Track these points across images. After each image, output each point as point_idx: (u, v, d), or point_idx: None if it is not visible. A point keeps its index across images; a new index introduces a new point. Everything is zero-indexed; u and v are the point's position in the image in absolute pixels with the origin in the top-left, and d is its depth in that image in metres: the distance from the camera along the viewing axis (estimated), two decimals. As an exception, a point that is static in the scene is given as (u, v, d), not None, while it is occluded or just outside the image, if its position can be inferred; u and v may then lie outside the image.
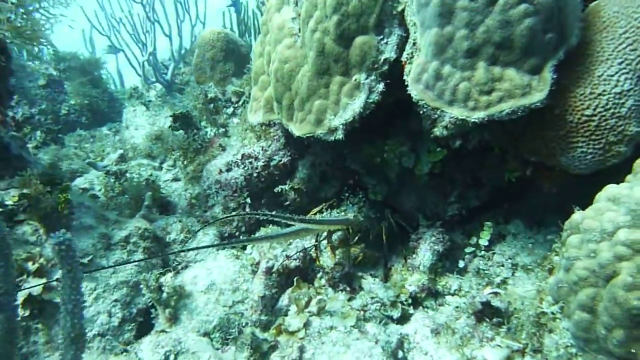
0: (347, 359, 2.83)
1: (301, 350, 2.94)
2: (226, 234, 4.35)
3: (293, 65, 2.84)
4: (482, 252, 3.56)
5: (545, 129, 2.65)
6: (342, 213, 3.63)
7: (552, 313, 1.84)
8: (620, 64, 2.54)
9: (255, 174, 4.15)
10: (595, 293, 1.65)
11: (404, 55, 2.64)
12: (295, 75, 2.84)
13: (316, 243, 3.74)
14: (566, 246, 1.78)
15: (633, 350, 1.55)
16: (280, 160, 4.13)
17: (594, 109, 2.54)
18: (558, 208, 3.64)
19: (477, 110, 2.37)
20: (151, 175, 5.64)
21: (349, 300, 3.40)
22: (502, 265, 3.39)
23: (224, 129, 5.59)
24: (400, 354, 2.66)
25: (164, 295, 3.48)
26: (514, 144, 2.83)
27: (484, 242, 3.53)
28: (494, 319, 2.39)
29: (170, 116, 5.37)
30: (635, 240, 1.54)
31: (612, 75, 2.53)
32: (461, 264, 3.51)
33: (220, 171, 4.36)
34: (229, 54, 5.85)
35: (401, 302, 3.33)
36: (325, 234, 3.68)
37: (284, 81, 2.89)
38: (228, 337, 3.41)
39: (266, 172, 4.16)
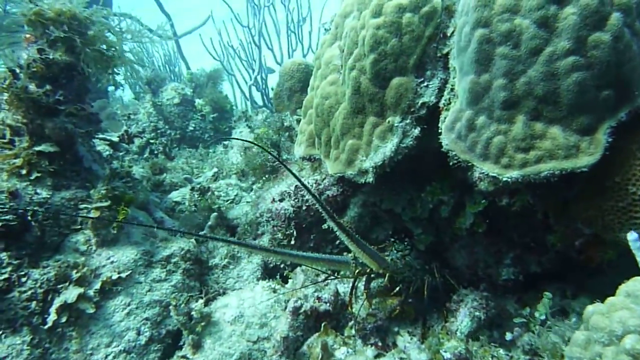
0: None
1: (309, 403, 2.76)
2: (271, 265, 4.32)
3: (333, 101, 2.75)
4: (537, 328, 3.13)
5: (603, 198, 2.28)
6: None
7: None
8: None
9: (304, 207, 4.08)
10: (600, 411, 1.33)
11: (442, 101, 2.44)
12: (334, 112, 2.76)
13: (352, 287, 3.56)
14: (571, 343, 1.47)
15: None
16: (332, 195, 4.03)
17: (665, 181, 2.14)
18: None
19: (511, 169, 2.09)
20: (237, 195, 5.82)
21: (377, 357, 3.16)
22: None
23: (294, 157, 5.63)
24: None
25: (192, 320, 3.49)
26: (563, 209, 2.47)
27: (540, 315, 3.11)
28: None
29: (256, 136, 5.53)
30: (648, 355, 1.21)
31: (692, 144, 2.12)
32: (508, 336, 3.12)
33: (273, 200, 4.35)
34: (307, 84, 5.93)
35: (432, 368, 3.02)
36: (364, 278, 3.50)
37: (324, 117, 2.82)
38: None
39: (316, 206, 4.07)
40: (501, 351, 3.09)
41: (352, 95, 2.57)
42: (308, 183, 4.18)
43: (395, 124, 2.49)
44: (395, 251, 3.49)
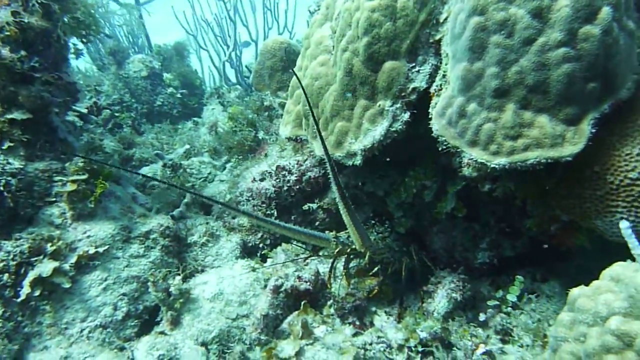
0: (331, 397, 2.67)
1: (288, 379, 2.81)
2: (250, 244, 4.32)
3: (323, 82, 2.76)
4: (509, 309, 3.26)
5: (582, 187, 2.37)
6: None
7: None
8: (679, 125, 2.23)
9: (286, 187, 4.10)
10: (581, 386, 1.41)
11: (433, 86, 2.47)
12: (323, 93, 2.76)
13: (332, 266, 3.61)
14: (556, 324, 1.55)
15: None
16: (313, 177, 4.05)
17: (641, 172, 2.24)
18: (599, 273, 3.29)
19: (499, 156, 2.16)
20: (210, 173, 5.75)
21: (355, 335, 3.23)
22: (530, 329, 3.08)
23: (275, 137, 5.61)
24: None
25: (170, 296, 3.48)
26: (542, 197, 2.56)
27: (512, 297, 3.23)
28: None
29: (227, 116, 5.46)
30: (627, 332, 1.29)
31: (668, 137, 2.23)
32: (482, 317, 3.23)
33: (254, 179, 4.34)
34: (289, 64, 5.88)
35: (409, 348, 3.11)
36: (344, 258, 3.55)
37: (313, 98, 2.82)
38: (226, 350, 3.36)
39: (298, 187, 4.09)
40: (480, 330, 3.22)
41: (344, 77, 2.58)
42: (289, 164, 4.19)
43: (386, 108, 2.51)
44: (375, 233, 3.56)
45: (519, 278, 3.30)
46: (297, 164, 4.15)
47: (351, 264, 3.66)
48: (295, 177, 4.09)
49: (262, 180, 4.29)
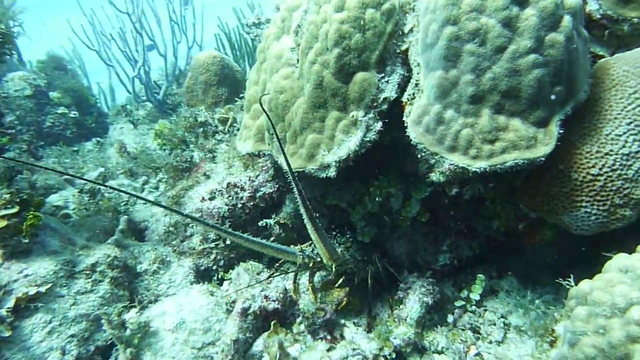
0: (321, 417, 2.59)
1: (273, 404, 2.70)
2: (202, 267, 4.12)
3: (288, 96, 2.70)
4: (473, 308, 3.37)
5: (549, 185, 2.52)
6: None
7: (554, 392, 1.65)
8: (628, 124, 2.43)
9: (240, 205, 3.96)
10: (604, 376, 1.47)
11: (405, 95, 2.51)
12: (290, 106, 2.70)
13: (295, 280, 3.54)
14: (572, 318, 1.61)
15: None
16: (267, 192, 3.95)
17: (600, 169, 2.42)
18: (554, 267, 3.50)
19: (479, 160, 2.23)
20: (130, 197, 5.39)
21: (329, 350, 3.17)
22: (494, 324, 3.21)
23: (211, 155, 5.41)
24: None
25: (127, 332, 3.23)
26: (511, 196, 2.69)
27: (475, 296, 3.35)
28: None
29: (154, 134, 5.17)
30: (653, 321, 1.37)
31: (620, 136, 2.42)
32: (450, 318, 3.31)
33: (203, 199, 4.16)
34: (224, 78, 5.74)
35: (384, 357, 3.11)
36: (308, 273, 3.50)
37: (278, 111, 2.75)
38: (195, 382, 3.17)
39: (252, 203, 3.97)
40: (444, 332, 3.29)
41: (314, 90, 2.54)
42: (241, 180, 4.07)
43: (360, 118, 2.51)
44: (337, 244, 3.54)
45: (481, 277, 3.43)
46: (249, 180, 4.04)
47: (316, 278, 3.62)
48: (249, 193, 3.97)
49: (212, 199, 4.12)
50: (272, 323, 3.24)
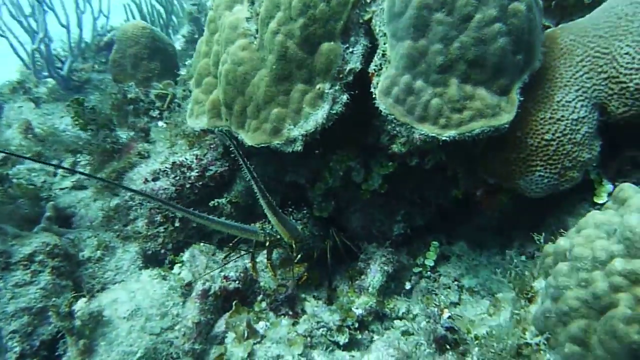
0: (297, 392, 2.60)
1: (245, 383, 2.66)
2: (150, 251, 3.93)
3: (248, 68, 2.59)
4: (428, 273, 3.50)
5: (507, 151, 2.63)
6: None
7: (537, 344, 1.75)
8: (577, 90, 2.58)
9: (188, 185, 3.80)
10: (588, 325, 1.58)
11: (372, 66, 2.50)
12: (250, 79, 2.59)
13: (252, 261, 3.48)
14: (555, 274, 1.71)
15: (629, 386, 1.49)
16: (217, 171, 3.82)
17: (553, 134, 2.56)
18: (498, 230, 3.70)
19: (449, 129, 2.27)
20: (45, 181, 4.96)
21: (293, 325, 3.17)
22: (449, 288, 3.35)
23: (143, 134, 5.12)
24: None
25: (77, 323, 3.02)
26: (470, 164, 2.79)
27: (430, 262, 3.48)
28: (461, 347, 2.28)
29: (73, 112, 4.75)
30: (633, 270, 1.48)
31: (570, 102, 2.57)
32: (408, 285, 3.42)
33: (146, 180, 3.94)
34: (155, 52, 5.42)
35: (347, 327, 3.15)
36: (266, 251, 3.46)
37: (237, 85, 2.63)
38: (155, 369, 3.05)
39: (201, 183, 3.83)
40: (403, 299, 3.39)
41: (278, 62, 2.45)
42: (187, 159, 3.90)
43: (326, 91, 2.46)
44: (294, 220, 3.51)
45: (435, 243, 3.56)
46: (196, 158, 3.88)
47: (274, 255, 3.58)
48: (197, 172, 3.82)
49: (156, 179, 3.92)
50: (233, 303, 3.17)
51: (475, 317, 3.01)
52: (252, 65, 2.58)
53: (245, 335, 2.89)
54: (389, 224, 3.59)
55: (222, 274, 3.29)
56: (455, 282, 3.40)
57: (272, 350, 2.85)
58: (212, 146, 3.91)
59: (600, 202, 2.64)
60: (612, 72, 2.52)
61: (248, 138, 2.65)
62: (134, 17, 7.47)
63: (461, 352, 2.27)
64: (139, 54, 5.34)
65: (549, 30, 2.78)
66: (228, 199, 3.84)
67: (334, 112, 2.51)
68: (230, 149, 2.97)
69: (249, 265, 3.40)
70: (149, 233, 3.88)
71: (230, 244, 3.71)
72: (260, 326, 3.11)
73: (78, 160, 5.27)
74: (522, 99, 2.38)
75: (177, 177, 3.82)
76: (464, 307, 3.20)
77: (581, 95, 2.58)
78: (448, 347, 2.34)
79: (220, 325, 3.20)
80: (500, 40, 2.21)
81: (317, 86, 2.46)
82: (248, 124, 2.66)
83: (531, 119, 2.56)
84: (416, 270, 3.49)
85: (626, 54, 2.49)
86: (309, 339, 3.02)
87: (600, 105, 2.61)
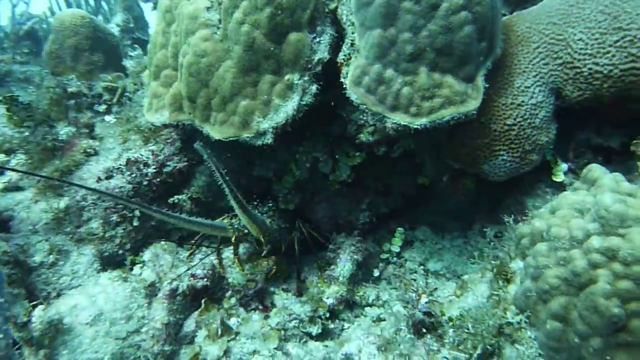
0: (277, 386, 2.58)
1: (223, 381, 2.61)
2: (107, 253, 3.76)
3: (212, 59, 2.50)
4: (395, 259, 3.56)
5: (471, 137, 2.70)
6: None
7: (518, 323, 1.83)
8: (535, 76, 2.69)
9: (145, 182, 3.65)
10: (568, 302, 1.66)
11: (341, 56, 2.48)
12: (214, 71, 2.51)
13: (218, 257, 3.42)
14: (534, 254, 1.78)
15: (608, 358, 1.58)
16: (176, 167, 3.70)
17: (515, 119, 2.65)
18: (458, 214, 3.82)
19: (420, 117, 2.30)
20: None
21: (265, 319, 3.14)
22: (415, 272, 3.42)
23: (87, 130, 4.86)
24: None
25: (36, 332, 2.86)
26: (436, 150, 2.85)
27: (396, 248, 3.54)
28: (439, 330, 2.34)
29: (5, 109, 4.43)
30: (609, 247, 1.57)
31: (529, 87, 2.67)
32: (376, 272, 3.47)
33: (99, 179, 3.76)
34: (97, 43, 5.14)
35: (319, 317, 3.16)
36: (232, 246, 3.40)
37: (200, 77, 2.54)
38: (122, 374, 2.94)
39: (158, 179, 3.69)
40: (372, 286, 3.44)
41: (245, 52, 2.38)
42: (142, 155, 3.75)
43: (295, 82, 2.43)
44: (260, 213, 3.47)
45: (400, 230, 3.62)
46: (152, 154, 3.73)
47: (240, 249, 3.53)
48: (154, 169, 3.68)
49: (109, 178, 3.74)
50: (203, 301, 3.10)
51: (444, 300, 3.10)
52: (217, 57, 2.50)
53: (219, 332, 2.84)
54: (355, 213, 3.62)
55: (190, 272, 3.20)
56: (421, 267, 3.48)
57: (247, 346, 2.82)
58: (168, 141, 3.77)
59: (559, 180, 2.78)
60: (567, 57, 2.64)
61: (215, 132, 2.58)
62: (58, 4, 7.04)
63: (439, 334, 2.33)
64: (80, 45, 5.05)
65: (505, 17, 2.87)
66: (188, 195, 3.73)
67: (304, 103, 2.48)
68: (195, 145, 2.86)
69: (216, 261, 3.32)
70: (105, 234, 3.71)
71: (193, 241, 3.63)
72: (232, 322, 3.06)
73: (14, 160, 4.95)
74: (487, 85, 2.45)
75: (133, 175, 3.66)
76: (432, 290, 3.28)
77: (539, 81, 2.68)
78: (425, 330, 2.39)
79: (189, 325, 3.13)
80: (466, 29, 2.25)
81: (286, 77, 2.42)
82: (214, 117, 2.58)
83: (493, 105, 2.64)
84: (383, 256, 3.54)
85: (579, 40, 2.60)
86: (282, 332, 3.01)
87: (556, 90, 2.73)
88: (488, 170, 2.76)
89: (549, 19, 2.73)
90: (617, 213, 1.60)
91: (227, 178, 2.37)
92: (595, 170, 1.88)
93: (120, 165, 3.72)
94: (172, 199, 3.70)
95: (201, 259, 3.27)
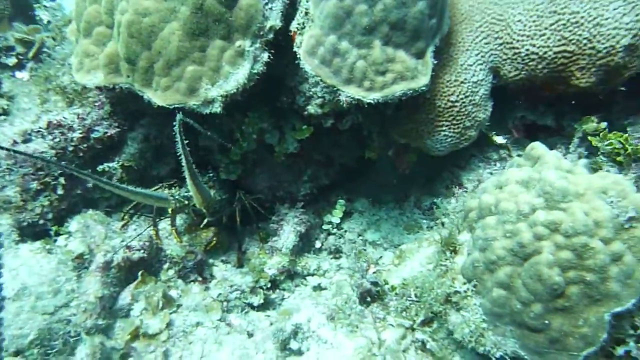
0: (223, 357, 2.56)
1: (166, 355, 2.55)
2: (25, 223, 3.48)
3: (155, 19, 2.33)
4: (335, 230, 3.61)
5: (417, 112, 2.77)
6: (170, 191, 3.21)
7: (465, 291, 1.94)
8: (477, 55, 2.79)
9: (70, 148, 3.40)
10: (513, 271, 1.78)
11: (294, 24, 2.41)
12: (157, 32, 2.35)
13: (155, 228, 3.29)
14: (483, 227, 1.88)
15: (546, 321, 1.73)
16: (106, 133, 3.47)
17: (457, 96, 2.75)
18: (393, 187, 3.94)
19: (373, 91, 2.32)
20: None
21: (206, 290, 3.10)
22: (355, 242, 3.51)
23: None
24: (295, 344, 2.50)
25: (-48, 311, 2.62)
26: (382, 125, 2.90)
27: (336, 220, 3.59)
28: (386, 299, 2.43)
29: None
30: (553, 220, 1.69)
31: (471, 65, 2.77)
32: (317, 244, 3.51)
33: (15, 142, 3.45)
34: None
35: (260, 287, 3.16)
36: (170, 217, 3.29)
37: (142, 38, 2.37)
38: (49, 351, 2.79)
39: (85, 145, 3.44)
40: (313, 256, 3.49)
41: (193, 15, 2.24)
42: (67, 119, 3.48)
43: (247, 48, 2.33)
44: (201, 183, 3.36)
45: (341, 201, 3.68)
46: (77, 118, 3.47)
47: (178, 221, 3.42)
48: (80, 134, 3.43)
49: (27, 141, 3.44)
50: (139, 273, 2.99)
51: (383, 269, 3.21)
52: (160, 17, 2.34)
53: (160, 305, 2.76)
54: (297, 185, 3.61)
55: (124, 243, 3.06)
56: (360, 237, 3.57)
57: (190, 318, 2.77)
58: (96, 104, 3.51)
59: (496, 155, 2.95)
60: (507, 38, 2.76)
61: (157, 97, 2.43)
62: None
63: (384, 303, 2.42)
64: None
65: (449, -4, 2.92)
66: (120, 162, 3.53)
67: (255, 71, 2.40)
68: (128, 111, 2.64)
69: (152, 232, 3.20)
70: (23, 203, 3.43)
71: (124, 211, 3.46)
72: (172, 295, 2.98)
73: None
74: (435, 62, 2.50)
75: (57, 139, 3.38)
76: (360, 254, 3.38)
77: (480, 59, 2.79)
78: (370, 299, 2.48)
79: (124, 298, 3.00)
80: (420, 4, 2.27)
81: (237, 43, 2.32)
82: (156, 81, 2.43)
83: (439, 82, 2.72)
84: (325, 227, 3.59)
85: (518, 21, 2.73)
86: (225, 303, 2.98)
87: (495, 69, 2.85)
88: (430, 145, 2.86)
89: None
90: (560, 189, 1.73)
91: (186, 145, 2.27)
92: (538, 147, 2.01)
93: (40, 128, 3.42)
94: (101, 167, 3.48)
95: (140, 234, 3.12)
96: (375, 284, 2.44)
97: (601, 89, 2.75)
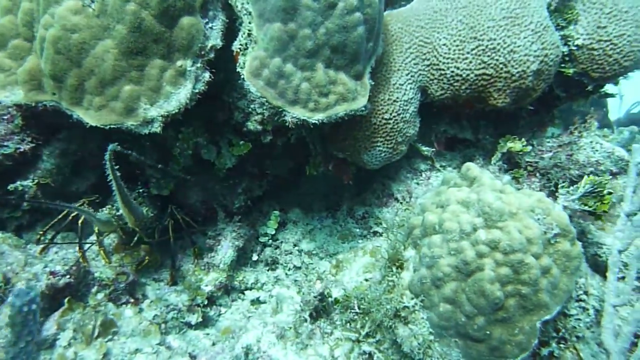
0: (167, 384, 2.49)
1: (105, 388, 2.42)
2: None
3: (86, 36, 2.20)
4: (270, 242, 3.63)
5: (355, 129, 2.87)
6: (106, 211, 3.08)
7: (413, 306, 2.05)
8: (407, 75, 2.94)
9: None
10: (458, 287, 1.92)
11: (237, 44, 2.39)
12: (89, 49, 2.21)
13: (80, 249, 3.11)
14: (430, 245, 2.00)
15: (488, 332, 1.89)
16: (17, 148, 3.20)
17: (391, 114, 2.89)
18: (324, 197, 4.04)
19: (318, 112, 2.37)
20: None
21: (140, 312, 2.97)
22: (291, 253, 3.55)
23: None
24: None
25: None
26: (323, 141, 2.96)
27: (271, 231, 3.61)
28: (333, 314, 2.49)
29: None
30: (493, 239, 1.85)
31: (402, 85, 2.92)
32: (254, 257, 3.50)
33: None
34: None
35: (197, 305, 3.11)
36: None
37: (71, 55, 2.22)
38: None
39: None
40: (250, 269, 3.48)
41: (130, 34, 2.14)
42: (-29, 134, 3.17)
43: (188, 68, 2.27)
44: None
45: (275, 213, 3.70)
46: (-16, 132, 3.17)
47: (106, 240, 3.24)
48: (-12, 150, 3.14)
49: None
50: (66, 299, 2.80)
51: (322, 278, 3.29)
52: (92, 34, 2.20)
53: (96, 334, 2.61)
54: (230, 198, 3.57)
55: (47, 269, 2.85)
56: (296, 248, 3.61)
57: (128, 345, 2.65)
58: (5, 117, 3.23)
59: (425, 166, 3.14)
60: (434, 60, 2.94)
61: (90, 117, 2.29)
62: None
63: (330, 317, 2.48)
64: None
65: (380, 15, 3.05)
66: (35, 180, 3.27)
67: (197, 90, 2.35)
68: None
69: (79, 255, 3.01)
70: None
71: (41, 232, 3.23)
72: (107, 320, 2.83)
73: None
74: (372, 83, 2.61)
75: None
76: (307, 270, 3.44)
77: (410, 79, 2.95)
78: (316, 314, 2.53)
79: (49, 328, 2.81)
80: (359, 29, 2.36)
81: (178, 63, 2.26)
82: (88, 100, 2.29)
83: (374, 100, 2.83)
84: (262, 240, 3.59)
85: (444, 45, 2.92)
86: (163, 325, 2.89)
87: (423, 88, 3.03)
88: (367, 160, 2.97)
89: (418, 22, 2.99)
90: (497, 209, 1.90)
91: (114, 164, 2.19)
92: (473, 168, 2.18)
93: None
94: (13, 185, 3.21)
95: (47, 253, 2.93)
96: (321, 299, 2.50)
97: (513, 108, 3.03)
